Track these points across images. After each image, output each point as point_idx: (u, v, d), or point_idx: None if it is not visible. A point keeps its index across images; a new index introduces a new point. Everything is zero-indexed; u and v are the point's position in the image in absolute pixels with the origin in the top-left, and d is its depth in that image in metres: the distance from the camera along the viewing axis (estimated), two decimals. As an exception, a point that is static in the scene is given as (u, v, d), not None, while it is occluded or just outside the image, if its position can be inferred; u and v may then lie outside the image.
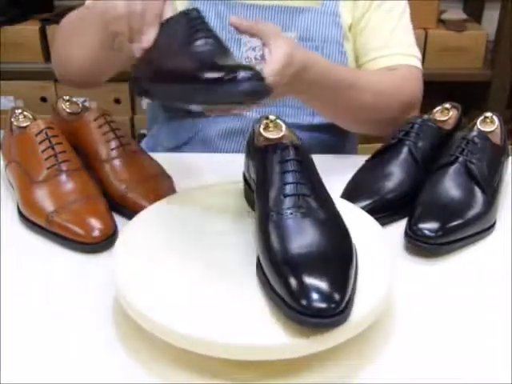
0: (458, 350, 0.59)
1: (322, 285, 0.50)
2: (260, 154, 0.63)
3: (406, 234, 0.72)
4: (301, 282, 0.51)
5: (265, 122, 0.67)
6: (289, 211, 0.57)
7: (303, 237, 0.55)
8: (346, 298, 0.51)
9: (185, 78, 0.59)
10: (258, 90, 0.58)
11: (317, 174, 0.63)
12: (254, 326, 0.53)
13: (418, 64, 0.99)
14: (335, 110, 0.92)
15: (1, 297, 0.65)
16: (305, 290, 0.50)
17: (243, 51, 0.97)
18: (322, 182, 0.63)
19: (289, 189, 0.58)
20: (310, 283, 0.51)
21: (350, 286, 0.52)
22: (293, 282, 0.51)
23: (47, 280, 0.68)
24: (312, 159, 0.64)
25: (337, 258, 0.54)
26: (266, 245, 0.56)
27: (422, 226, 0.71)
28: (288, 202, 0.58)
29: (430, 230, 0.71)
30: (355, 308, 0.54)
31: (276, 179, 0.59)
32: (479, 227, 0.75)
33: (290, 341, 0.51)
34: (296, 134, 0.68)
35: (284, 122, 0.68)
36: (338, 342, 0.53)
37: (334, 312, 0.49)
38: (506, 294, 0.66)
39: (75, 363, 0.57)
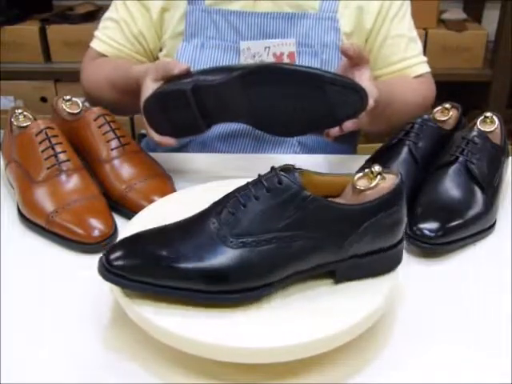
0: (458, 350, 0.59)
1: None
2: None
3: (406, 234, 0.72)
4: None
5: (367, 170, 0.59)
6: (215, 220, 0.55)
7: (182, 236, 0.55)
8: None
9: None
10: None
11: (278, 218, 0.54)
12: (252, 328, 0.53)
13: (429, 68, 1.05)
14: (371, 124, 0.92)
15: (1, 297, 0.65)
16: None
17: (242, 59, 0.97)
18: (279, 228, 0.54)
19: (232, 205, 0.56)
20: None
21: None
22: None
23: (47, 280, 0.68)
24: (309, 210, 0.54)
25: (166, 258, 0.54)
26: None
27: (422, 225, 0.71)
28: (224, 213, 0.56)
29: (430, 230, 0.71)
30: (355, 309, 0.54)
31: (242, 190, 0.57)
32: (479, 227, 0.74)
33: (290, 343, 0.51)
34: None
35: (385, 175, 0.60)
36: (338, 344, 0.53)
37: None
38: (506, 294, 0.66)
39: (74, 363, 0.57)
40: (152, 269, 0.53)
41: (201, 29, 0.99)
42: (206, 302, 0.54)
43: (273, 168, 0.56)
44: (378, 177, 0.59)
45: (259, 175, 0.57)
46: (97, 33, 1.05)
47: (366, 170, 0.59)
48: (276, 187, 0.54)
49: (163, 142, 0.80)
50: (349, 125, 0.77)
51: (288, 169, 0.56)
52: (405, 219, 0.60)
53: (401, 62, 1.02)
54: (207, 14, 0.98)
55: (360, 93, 0.72)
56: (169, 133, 0.80)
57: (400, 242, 0.60)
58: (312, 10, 0.98)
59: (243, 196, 0.55)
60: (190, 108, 0.76)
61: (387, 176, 0.59)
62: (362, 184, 0.59)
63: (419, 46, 1.05)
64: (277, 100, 0.74)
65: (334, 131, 0.78)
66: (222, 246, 0.54)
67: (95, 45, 1.04)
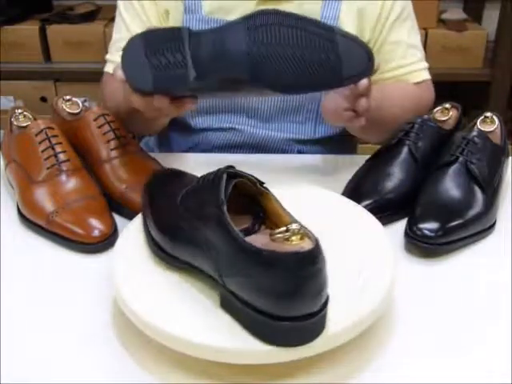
0: (458, 350, 0.59)
1: None
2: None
3: (406, 234, 0.72)
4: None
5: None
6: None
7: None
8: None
9: None
10: None
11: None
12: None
13: (429, 75, 1.02)
14: (364, 130, 0.90)
15: (1, 297, 0.65)
16: None
17: None
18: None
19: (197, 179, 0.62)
20: None
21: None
22: None
23: (47, 280, 0.68)
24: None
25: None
26: None
27: (422, 225, 0.71)
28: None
29: (430, 230, 0.71)
30: (355, 309, 0.54)
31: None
32: (479, 227, 0.75)
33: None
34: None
35: None
36: (337, 344, 0.53)
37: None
38: (506, 294, 0.66)
39: (74, 363, 0.57)
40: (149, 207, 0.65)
41: None
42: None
43: (229, 166, 0.57)
44: (288, 233, 0.51)
45: (221, 167, 0.58)
46: (108, 56, 1.02)
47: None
48: (213, 182, 0.56)
49: (133, 99, 0.72)
50: (364, 82, 0.73)
51: (236, 175, 0.56)
52: (301, 299, 0.49)
53: (397, 69, 0.99)
54: (205, 23, 0.95)
55: (368, 52, 0.73)
56: (147, 84, 0.71)
57: (287, 319, 0.49)
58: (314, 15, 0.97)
59: (204, 177, 0.60)
60: (183, 53, 0.70)
61: (307, 240, 0.50)
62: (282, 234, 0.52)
63: (420, 52, 1.02)
64: (283, 46, 0.71)
65: (361, 106, 0.75)
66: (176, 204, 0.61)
67: (109, 69, 1.00)
